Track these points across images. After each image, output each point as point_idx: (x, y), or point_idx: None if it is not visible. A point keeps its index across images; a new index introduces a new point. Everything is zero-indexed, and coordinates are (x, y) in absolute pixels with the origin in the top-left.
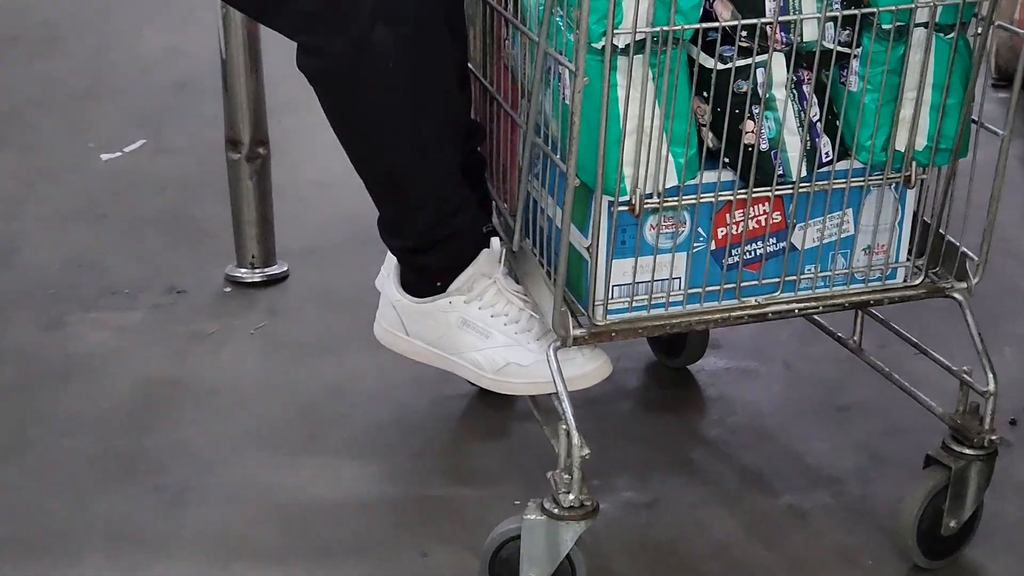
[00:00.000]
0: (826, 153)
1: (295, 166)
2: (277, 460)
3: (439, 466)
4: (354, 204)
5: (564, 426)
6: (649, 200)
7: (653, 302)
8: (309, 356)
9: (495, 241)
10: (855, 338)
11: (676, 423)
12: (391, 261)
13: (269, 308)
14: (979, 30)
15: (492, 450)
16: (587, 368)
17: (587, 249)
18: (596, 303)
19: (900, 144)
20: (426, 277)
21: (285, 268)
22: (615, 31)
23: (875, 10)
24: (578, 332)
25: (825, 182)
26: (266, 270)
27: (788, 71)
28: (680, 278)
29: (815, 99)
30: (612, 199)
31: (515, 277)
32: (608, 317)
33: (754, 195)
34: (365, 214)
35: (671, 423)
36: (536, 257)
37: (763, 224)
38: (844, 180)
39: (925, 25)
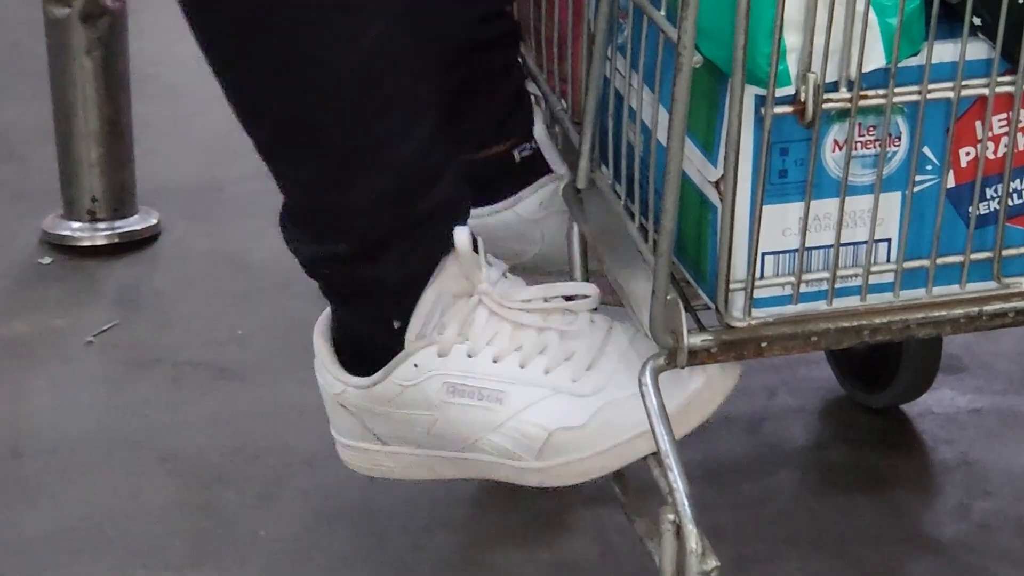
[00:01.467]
0: None
1: (164, 34)
2: None
3: None
4: None
5: (672, 517)
6: (833, 96)
7: (840, 286)
8: (198, 383)
9: (463, 232)
10: None
11: (880, 512)
12: (321, 324)
13: (122, 294)
14: None
15: (527, 559)
16: (694, 385)
17: (715, 186)
18: (732, 286)
19: None
20: (372, 316)
21: (153, 221)
22: None
23: None
24: (699, 340)
25: None
26: (118, 224)
27: None
28: (890, 240)
29: None
30: (763, 93)
31: (568, 247)
32: (755, 313)
33: None
34: None
35: (871, 512)
36: (619, 201)
37: None
38: None
39: None
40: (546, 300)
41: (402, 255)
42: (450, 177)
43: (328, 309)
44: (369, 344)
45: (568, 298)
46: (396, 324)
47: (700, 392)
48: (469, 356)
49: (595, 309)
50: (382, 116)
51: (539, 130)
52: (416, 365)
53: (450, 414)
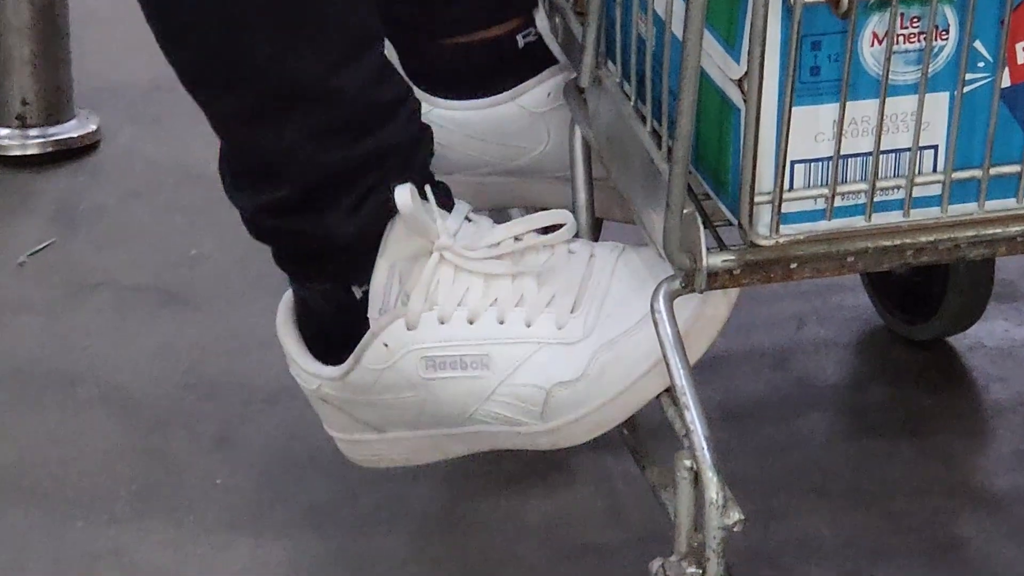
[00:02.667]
0: None
1: None
2: None
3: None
4: None
5: (690, 463)
6: None
7: (879, 199)
8: (145, 310)
9: (403, 191)
10: None
11: (924, 460)
12: (284, 312)
13: (58, 210)
14: None
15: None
16: (703, 308)
17: (738, 85)
18: (758, 199)
19: None
20: (330, 284)
21: (93, 127)
22: None
23: None
24: (720, 261)
25: None
26: (52, 131)
27: None
28: (936, 147)
29: None
30: None
31: (570, 153)
32: (783, 229)
33: None
34: None
35: (913, 460)
36: (629, 102)
37: None
38: None
39: None
40: (517, 239)
41: (350, 205)
42: (405, 118)
43: (289, 292)
44: (335, 325)
45: (544, 231)
46: (358, 293)
47: (700, 310)
48: (441, 323)
49: (575, 237)
50: (318, 40)
51: (540, 21)
52: (386, 344)
53: (436, 391)
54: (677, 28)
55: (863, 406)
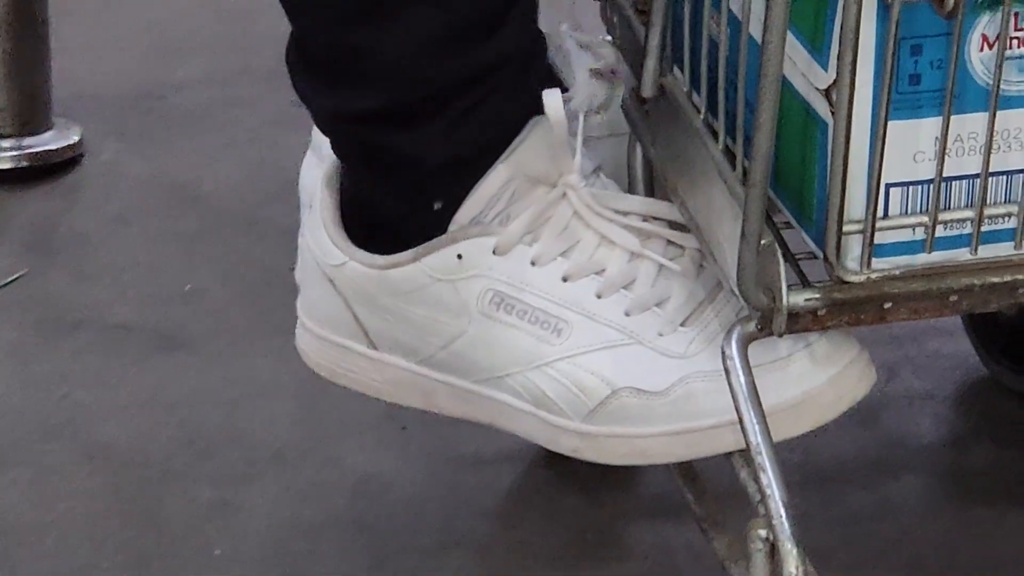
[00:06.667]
0: None
1: None
2: None
3: None
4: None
5: (765, 532)
6: None
7: (987, 228)
8: (133, 353)
9: (554, 95)
10: None
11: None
12: (329, 173)
13: (33, 235)
14: None
15: None
16: (815, 383)
17: (825, 96)
18: (847, 228)
19: None
20: (405, 194)
21: (74, 139)
22: None
23: None
24: (803, 300)
25: None
26: (27, 143)
27: None
28: None
29: None
30: None
31: (629, 176)
32: (876, 263)
33: None
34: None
35: (1021, 531)
36: (698, 115)
37: None
38: None
39: None
40: (647, 220)
41: (452, 122)
42: (521, 18)
43: (335, 159)
44: (395, 218)
45: (676, 227)
46: (437, 206)
47: (822, 391)
48: (533, 264)
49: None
50: None
51: (546, 26)
52: (460, 256)
53: (485, 331)
54: (755, 29)
55: (964, 469)
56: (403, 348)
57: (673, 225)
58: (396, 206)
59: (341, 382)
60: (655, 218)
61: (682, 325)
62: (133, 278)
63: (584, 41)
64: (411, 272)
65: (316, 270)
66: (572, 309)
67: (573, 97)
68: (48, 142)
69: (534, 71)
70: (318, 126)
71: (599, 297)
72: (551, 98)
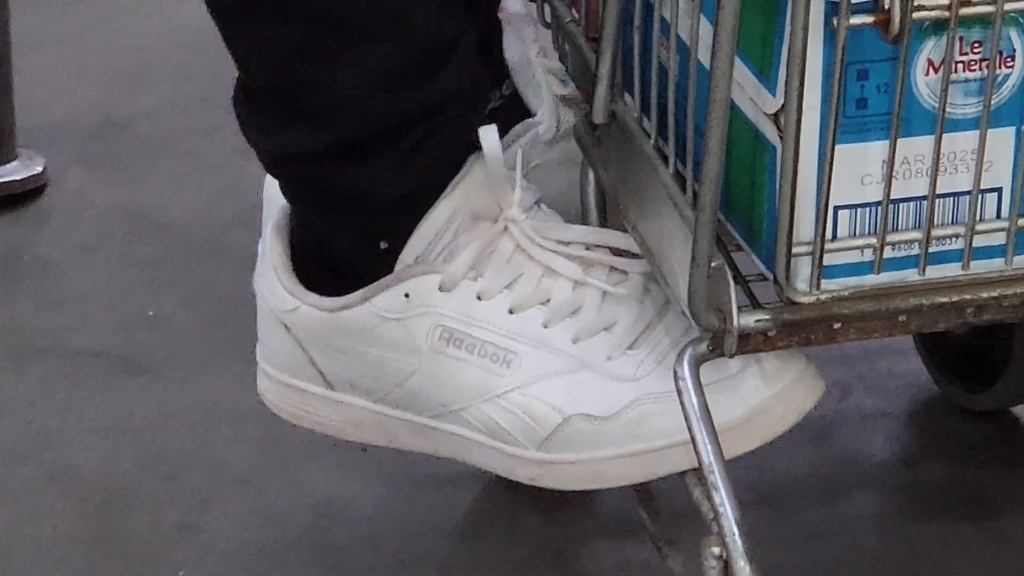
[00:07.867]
0: None
1: None
2: None
3: None
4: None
5: (719, 550)
6: (927, 2)
7: (935, 249)
8: (98, 378)
9: (491, 132)
10: None
11: (985, 546)
12: (278, 219)
13: (1, 262)
14: None
15: None
16: (763, 397)
17: (773, 120)
18: (796, 250)
19: None
20: (353, 232)
21: (38, 168)
22: None
23: None
24: (753, 321)
25: None
26: None
27: None
28: (1000, 190)
29: None
30: None
31: (582, 202)
32: (825, 285)
33: None
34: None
35: (974, 546)
36: (648, 140)
37: None
38: None
39: None
40: (589, 248)
41: (402, 157)
42: (466, 55)
43: (285, 204)
44: (343, 259)
45: (618, 253)
46: (384, 245)
47: (769, 406)
48: (479, 298)
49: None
50: None
51: (514, 52)
52: (407, 295)
53: (437, 367)
54: (704, 55)
55: (917, 486)
56: (360, 388)
57: (616, 251)
58: (345, 247)
59: (304, 424)
60: (598, 246)
61: (630, 348)
62: (98, 304)
63: (552, 67)
64: (361, 313)
65: (271, 316)
66: (520, 340)
67: (540, 123)
68: (12, 172)
69: (480, 107)
70: (267, 169)
71: (546, 327)
72: (488, 134)
